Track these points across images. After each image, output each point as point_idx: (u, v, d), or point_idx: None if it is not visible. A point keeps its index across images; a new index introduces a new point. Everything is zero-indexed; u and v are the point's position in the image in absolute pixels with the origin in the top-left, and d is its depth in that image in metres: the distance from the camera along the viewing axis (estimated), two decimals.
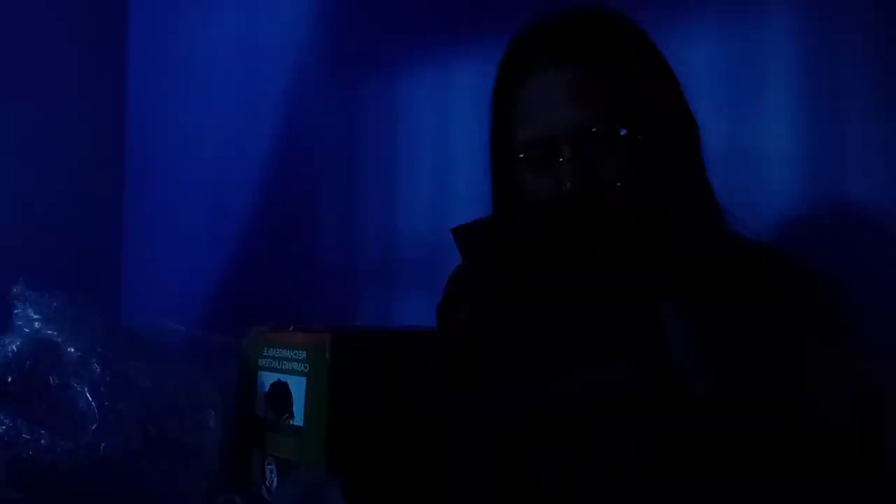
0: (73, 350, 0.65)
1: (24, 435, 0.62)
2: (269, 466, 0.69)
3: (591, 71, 0.85)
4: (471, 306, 0.54)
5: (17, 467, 0.61)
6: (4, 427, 0.62)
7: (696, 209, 0.87)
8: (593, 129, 0.82)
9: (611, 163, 0.82)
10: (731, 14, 1.26)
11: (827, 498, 0.71)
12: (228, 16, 2.21)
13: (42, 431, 0.62)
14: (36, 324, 0.66)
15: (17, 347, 0.66)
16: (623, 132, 0.82)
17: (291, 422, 0.66)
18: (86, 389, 0.64)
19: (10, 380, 0.65)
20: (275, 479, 0.68)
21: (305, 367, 0.65)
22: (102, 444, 0.63)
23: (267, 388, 0.69)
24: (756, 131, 0.91)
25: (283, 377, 0.68)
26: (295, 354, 0.67)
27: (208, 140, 2.22)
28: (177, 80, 2.36)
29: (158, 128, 2.39)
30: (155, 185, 2.34)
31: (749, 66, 1.13)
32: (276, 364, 0.69)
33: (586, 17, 0.88)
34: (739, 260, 0.84)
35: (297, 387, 0.66)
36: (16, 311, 0.68)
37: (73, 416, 0.64)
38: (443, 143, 1.71)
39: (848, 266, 1.01)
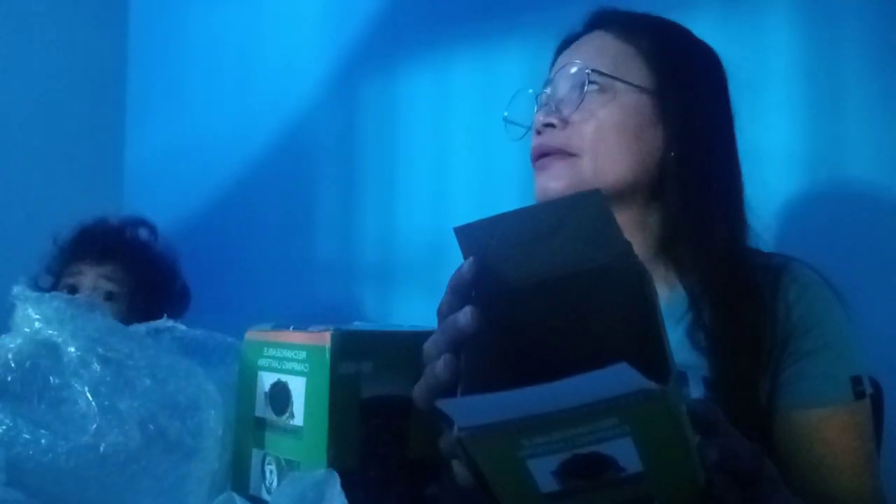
0: (73, 350, 0.65)
1: (24, 435, 0.62)
2: (269, 466, 0.69)
3: (606, 35, 0.91)
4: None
5: (17, 467, 0.61)
6: (4, 427, 0.62)
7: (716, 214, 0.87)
8: (584, 70, 0.87)
9: (590, 110, 0.86)
10: (731, 12, 1.26)
11: None
12: (229, 16, 2.21)
13: (42, 431, 0.62)
14: (36, 324, 0.66)
15: (17, 347, 0.66)
16: (608, 82, 0.87)
17: (291, 422, 0.66)
18: (86, 389, 0.64)
19: (10, 380, 0.65)
20: (275, 479, 0.68)
21: (305, 367, 0.65)
22: (102, 444, 0.63)
23: (267, 388, 0.69)
24: (756, 129, 0.91)
25: (283, 377, 0.68)
26: (295, 354, 0.67)
27: (208, 140, 2.22)
28: (177, 80, 2.36)
29: (158, 128, 2.39)
30: (154, 185, 2.34)
31: (749, 65, 1.13)
32: (276, 364, 0.69)
33: (642, 15, 0.94)
34: (761, 272, 0.84)
35: (297, 387, 0.66)
36: (16, 311, 0.68)
37: (73, 416, 0.64)
38: (443, 143, 1.71)
39: (847, 263, 1.01)
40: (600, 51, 0.89)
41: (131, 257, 1.62)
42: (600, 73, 0.87)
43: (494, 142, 1.59)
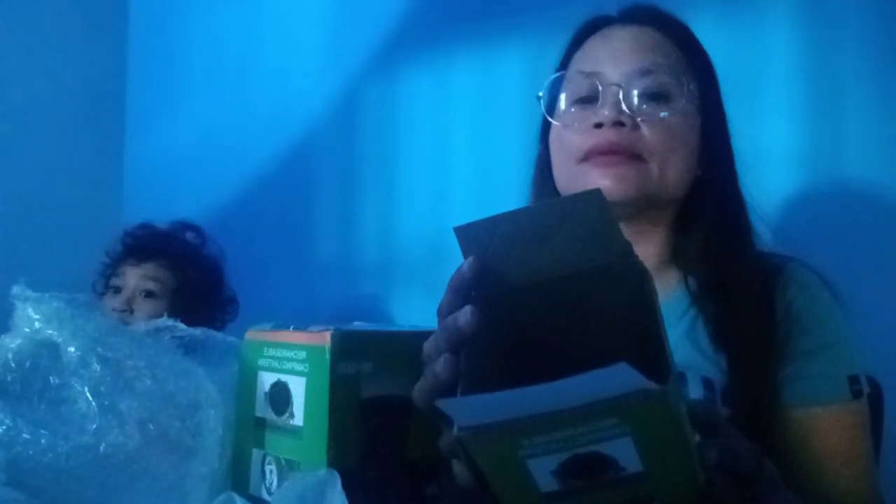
0: (73, 350, 0.65)
1: (24, 435, 0.62)
2: (269, 466, 0.69)
3: (655, 33, 0.88)
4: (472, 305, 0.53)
5: (17, 467, 0.61)
6: (4, 427, 0.62)
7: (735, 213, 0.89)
8: (647, 76, 0.84)
9: (654, 116, 0.84)
10: (731, 12, 1.26)
11: None
12: (229, 16, 2.21)
13: (42, 431, 0.62)
14: (36, 324, 0.66)
15: (17, 347, 0.66)
16: (676, 89, 0.85)
17: (291, 422, 0.66)
18: (86, 389, 0.64)
19: (10, 380, 0.65)
20: (275, 479, 0.68)
21: (305, 367, 0.65)
22: (102, 444, 0.63)
23: (267, 388, 0.69)
24: (756, 129, 0.91)
25: (283, 377, 0.68)
26: (295, 354, 0.66)
27: (208, 141, 2.22)
28: (177, 82, 2.36)
29: (158, 129, 2.39)
30: (154, 186, 2.34)
31: (749, 65, 1.13)
32: (276, 364, 0.68)
33: (682, 22, 0.92)
34: (767, 272, 0.84)
35: (297, 387, 0.66)
36: (16, 311, 0.67)
37: (72, 416, 0.64)
38: (443, 143, 1.71)
39: (847, 263, 1.01)
40: (666, 55, 0.86)
41: (173, 257, 1.65)
42: (687, 86, 0.84)
43: (494, 142, 1.59)
